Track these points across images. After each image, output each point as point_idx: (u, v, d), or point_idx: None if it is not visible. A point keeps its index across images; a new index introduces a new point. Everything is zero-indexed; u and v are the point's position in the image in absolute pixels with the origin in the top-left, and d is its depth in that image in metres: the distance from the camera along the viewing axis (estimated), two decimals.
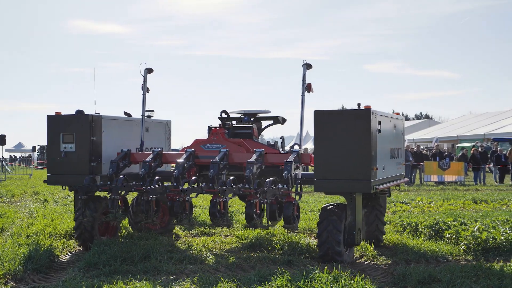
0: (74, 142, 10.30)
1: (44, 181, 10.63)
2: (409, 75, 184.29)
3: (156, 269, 8.32)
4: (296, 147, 9.87)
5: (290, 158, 9.46)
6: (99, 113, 10.69)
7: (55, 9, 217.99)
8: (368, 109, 8.75)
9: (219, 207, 9.40)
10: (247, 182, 9.34)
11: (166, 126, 12.56)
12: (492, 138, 47.10)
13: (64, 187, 10.58)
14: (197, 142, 10.67)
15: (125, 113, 11.62)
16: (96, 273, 8.18)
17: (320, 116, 8.96)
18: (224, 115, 11.40)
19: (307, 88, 10.02)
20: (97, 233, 10.32)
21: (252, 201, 9.25)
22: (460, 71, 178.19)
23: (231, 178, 9.63)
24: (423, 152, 32.23)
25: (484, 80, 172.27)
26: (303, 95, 10.00)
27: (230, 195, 9.48)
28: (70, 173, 10.33)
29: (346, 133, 8.78)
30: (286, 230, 11.16)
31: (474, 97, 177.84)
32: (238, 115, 11.51)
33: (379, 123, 9.09)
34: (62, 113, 10.60)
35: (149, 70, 11.24)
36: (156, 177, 9.96)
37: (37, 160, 60.98)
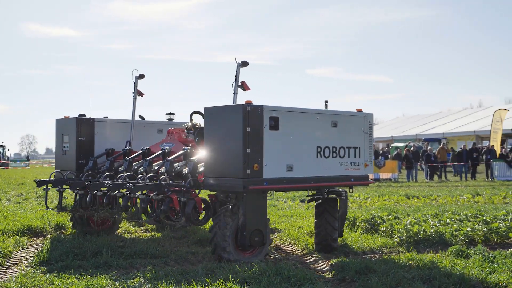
0: (69, 142, 11.14)
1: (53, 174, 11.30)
2: (347, 80, 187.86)
3: (107, 264, 8.19)
4: None
5: (195, 156, 9.21)
6: (107, 117, 11.53)
7: (8, 13, 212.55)
8: (242, 104, 8.01)
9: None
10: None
11: None
12: (423, 138, 48.30)
13: None
14: (161, 142, 10.76)
15: (140, 116, 11.95)
16: (48, 268, 8.00)
17: (208, 113, 8.56)
18: (198, 115, 11.29)
19: (242, 86, 9.50)
20: (85, 224, 10.80)
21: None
22: (393, 76, 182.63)
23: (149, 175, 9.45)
24: None
25: (415, 84, 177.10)
26: (235, 93, 9.52)
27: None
28: (65, 169, 11.09)
29: (225, 129, 8.22)
30: None
31: (406, 100, 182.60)
32: None
33: (274, 119, 8.23)
34: (69, 117, 11.30)
35: (140, 76, 11.28)
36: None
37: None
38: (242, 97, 10.64)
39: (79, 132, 11.03)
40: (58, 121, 11.47)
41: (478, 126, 50.08)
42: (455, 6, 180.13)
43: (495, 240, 10.41)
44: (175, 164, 9.48)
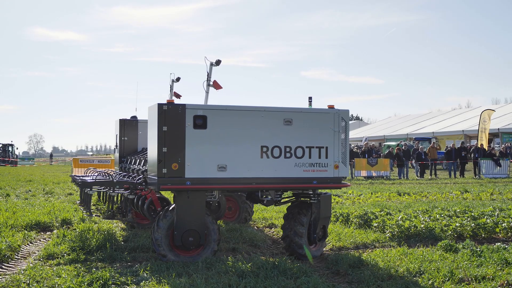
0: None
1: None
2: (340, 81, 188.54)
3: (112, 257, 8.18)
4: None
5: None
6: None
7: (15, 17, 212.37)
8: (159, 103, 7.56)
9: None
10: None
11: None
12: (414, 137, 48.33)
13: None
14: None
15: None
16: (55, 261, 8.00)
17: (148, 112, 8.26)
18: None
19: (214, 85, 8.99)
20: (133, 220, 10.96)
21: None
22: (384, 78, 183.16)
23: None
24: (354, 150, 32.78)
25: (405, 86, 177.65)
26: (207, 92, 9.06)
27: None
28: (117, 165, 11.71)
29: (151, 128, 7.94)
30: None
31: (397, 101, 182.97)
32: None
33: (202, 117, 7.65)
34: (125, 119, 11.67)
35: (177, 79, 11.25)
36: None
37: None
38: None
39: (122, 132, 11.43)
40: (115, 123, 11.85)
41: (467, 125, 50.19)
42: (443, 11, 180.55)
43: (483, 235, 10.41)
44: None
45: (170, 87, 11.21)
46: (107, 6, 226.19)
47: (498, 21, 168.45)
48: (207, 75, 8.93)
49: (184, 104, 7.62)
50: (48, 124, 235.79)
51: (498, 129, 46.06)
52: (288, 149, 8.05)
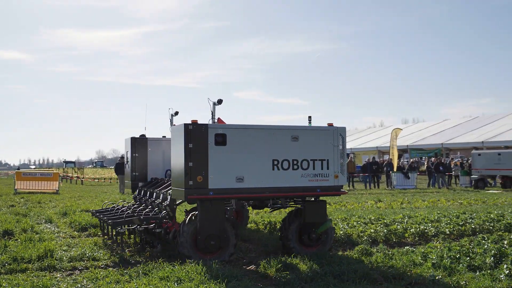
0: (129, 158, 11.54)
1: None
2: (268, 102, 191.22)
3: (52, 267, 7.87)
4: None
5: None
6: (165, 136, 11.68)
7: None
8: (185, 123, 7.91)
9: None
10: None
11: None
12: None
13: None
14: None
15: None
16: None
17: (171, 131, 8.66)
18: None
19: (218, 122, 9.16)
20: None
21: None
22: (308, 99, 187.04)
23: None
24: None
25: (326, 106, 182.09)
26: None
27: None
28: (128, 179, 11.71)
29: (177, 146, 8.22)
30: None
31: (319, 120, 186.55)
32: None
33: (222, 135, 8.01)
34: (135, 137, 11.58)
35: (175, 113, 11.02)
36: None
37: None
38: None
39: (134, 149, 11.38)
40: (126, 141, 11.80)
41: (380, 142, 51.73)
42: (357, 41, 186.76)
43: (394, 240, 10.67)
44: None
45: (170, 121, 11.04)
46: (52, 29, 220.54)
47: (406, 51, 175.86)
48: (211, 114, 9.16)
49: (207, 124, 8.02)
50: None
51: (407, 145, 47.74)
52: (295, 162, 8.48)
